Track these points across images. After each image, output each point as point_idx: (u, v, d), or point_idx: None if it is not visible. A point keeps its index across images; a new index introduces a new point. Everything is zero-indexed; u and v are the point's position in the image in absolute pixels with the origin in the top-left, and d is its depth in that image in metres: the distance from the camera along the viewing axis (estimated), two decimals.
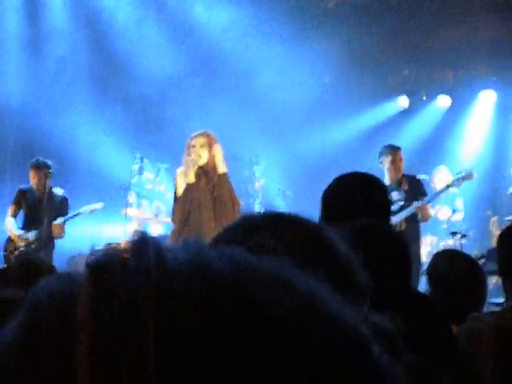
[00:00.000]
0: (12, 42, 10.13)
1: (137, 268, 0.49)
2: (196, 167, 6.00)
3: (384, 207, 2.56)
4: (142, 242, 0.51)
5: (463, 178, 7.14)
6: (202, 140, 6.05)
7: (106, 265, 0.49)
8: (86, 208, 7.49)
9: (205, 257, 0.51)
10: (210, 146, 6.03)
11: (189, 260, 0.50)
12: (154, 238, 0.52)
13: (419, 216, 6.85)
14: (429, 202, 6.97)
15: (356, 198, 2.46)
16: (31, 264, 2.64)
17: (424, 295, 2.38)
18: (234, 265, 0.51)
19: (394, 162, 6.99)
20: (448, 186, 7.18)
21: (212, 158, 6.02)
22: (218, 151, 6.05)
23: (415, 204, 6.73)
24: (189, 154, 6.05)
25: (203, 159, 6.00)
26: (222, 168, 6.03)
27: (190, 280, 0.48)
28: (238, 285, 0.49)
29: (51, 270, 2.61)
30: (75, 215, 7.45)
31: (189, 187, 5.99)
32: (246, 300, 0.48)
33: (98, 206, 7.55)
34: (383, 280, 1.99)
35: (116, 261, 0.50)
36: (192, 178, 6.00)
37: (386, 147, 7.17)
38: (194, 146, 6.03)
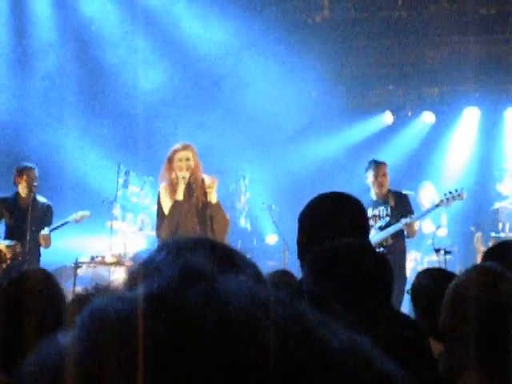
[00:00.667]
0: None
1: None
2: (185, 183, 5.94)
3: (361, 227, 2.53)
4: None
5: (453, 198, 7.02)
6: (185, 153, 5.99)
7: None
8: (74, 216, 7.39)
9: None
10: (193, 157, 6.00)
11: None
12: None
13: (405, 232, 6.84)
14: (417, 219, 6.97)
15: (333, 219, 2.44)
16: (22, 282, 2.53)
17: (405, 315, 2.37)
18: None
19: (377, 177, 6.94)
20: (437, 205, 7.09)
21: (193, 171, 5.98)
22: (215, 186, 6.01)
23: (403, 221, 6.69)
24: (172, 169, 5.97)
25: (188, 173, 5.96)
26: (215, 198, 6.00)
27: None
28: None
29: (44, 286, 2.52)
30: (63, 224, 7.35)
31: (177, 204, 5.93)
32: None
33: (86, 213, 7.43)
34: (364, 299, 1.99)
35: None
36: (181, 195, 5.94)
37: (369, 163, 7.12)
38: (180, 160, 5.96)
